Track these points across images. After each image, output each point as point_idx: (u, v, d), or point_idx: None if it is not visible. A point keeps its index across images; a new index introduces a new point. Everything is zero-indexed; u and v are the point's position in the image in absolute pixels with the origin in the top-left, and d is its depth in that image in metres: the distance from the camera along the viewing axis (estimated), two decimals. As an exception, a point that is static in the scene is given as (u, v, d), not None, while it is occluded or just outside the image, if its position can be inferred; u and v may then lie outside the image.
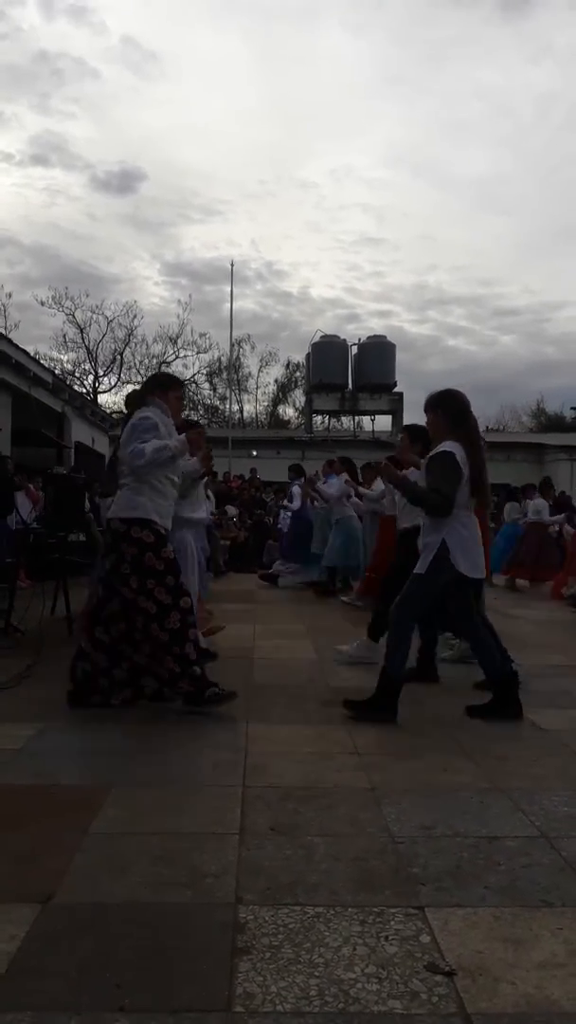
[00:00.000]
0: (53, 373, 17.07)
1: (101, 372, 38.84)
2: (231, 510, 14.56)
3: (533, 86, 61.89)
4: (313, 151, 67.60)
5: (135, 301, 61.01)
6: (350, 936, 1.94)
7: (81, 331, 37.89)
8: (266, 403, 43.28)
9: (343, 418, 31.75)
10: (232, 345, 32.42)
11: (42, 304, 37.74)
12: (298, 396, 40.34)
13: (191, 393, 38.11)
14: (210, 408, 40.48)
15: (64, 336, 38.10)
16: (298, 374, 40.09)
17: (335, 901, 2.12)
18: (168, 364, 38.03)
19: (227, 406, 36.89)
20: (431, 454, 4.06)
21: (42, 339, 65.75)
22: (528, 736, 3.77)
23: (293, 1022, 1.63)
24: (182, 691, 3.92)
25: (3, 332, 16.10)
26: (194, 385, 38.78)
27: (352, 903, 2.11)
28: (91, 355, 38.38)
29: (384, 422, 29.94)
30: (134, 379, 38.60)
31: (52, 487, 7.38)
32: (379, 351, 29.17)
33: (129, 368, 38.90)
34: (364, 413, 30.09)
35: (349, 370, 29.23)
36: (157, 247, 59.71)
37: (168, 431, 4.07)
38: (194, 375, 38.91)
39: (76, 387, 27.10)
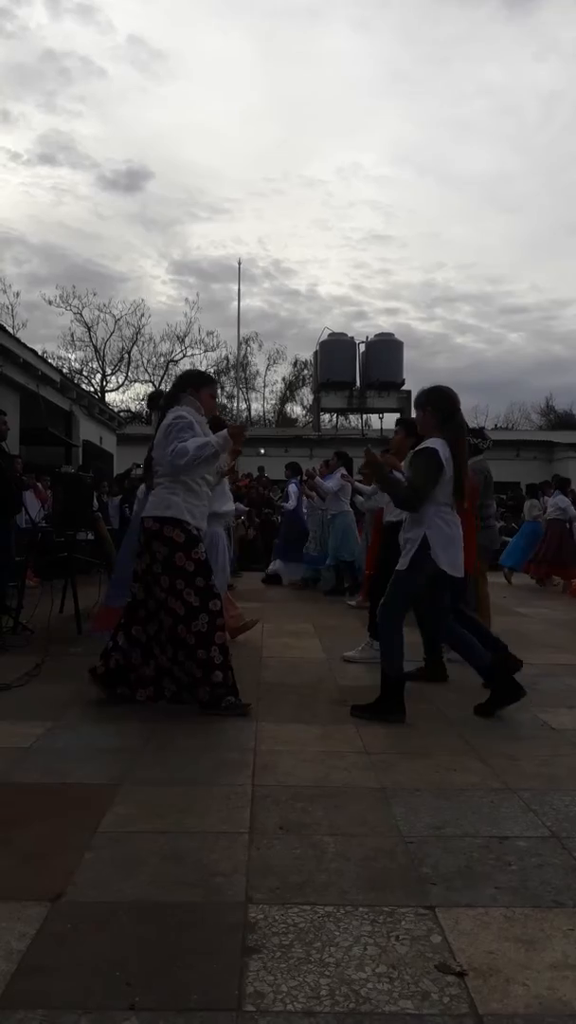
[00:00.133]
0: (61, 372, 17.10)
1: (109, 371, 39.05)
2: (240, 508, 14.56)
3: (539, 83, 61.83)
4: (320, 149, 67.70)
5: (142, 300, 61.53)
6: (360, 936, 1.94)
7: (89, 330, 38.10)
8: (274, 401, 43.46)
9: (351, 416, 31.68)
10: (240, 343, 32.50)
11: (50, 303, 38.11)
12: (306, 394, 40.50)
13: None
14: (217, 406, 40.53)
15: (72, 335, 38.36)
16: (306, 372, 40.20)
17: (345, 900, 2.11)
18: (176, 363, 38.23)
19: (235, 404, 36.98)
20: (416, 449, 4.09)
21: (50, 338, 66.18)
22: (539, 735, 3.75)
23: (304, 1022, 1.62)
24: (199, 698, 3.93)
25: (11, 331, 16.12)
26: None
27: (362, 903, 2.10)
28: (99, 354, 38.59)
29: (392, 420, 29.74)
30: (141, 378, 38.77)
31: (60, 486, 7.40)
32: (387, 349, 29.06)
33: (136, 367, 39.08)
34: (372, 411, 30.00)
35: (357, 368, 29.14)
36: (164, 246, 59.93)
37: (202, 429, 4.07)
38: (202, 374, 38.96)
39: (84, 386, 27.16)
